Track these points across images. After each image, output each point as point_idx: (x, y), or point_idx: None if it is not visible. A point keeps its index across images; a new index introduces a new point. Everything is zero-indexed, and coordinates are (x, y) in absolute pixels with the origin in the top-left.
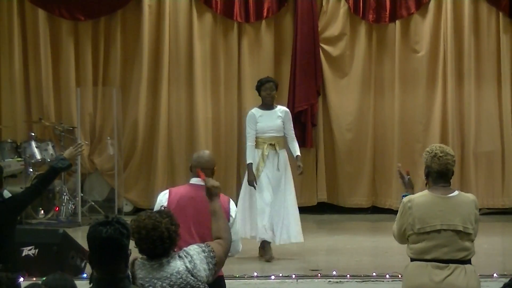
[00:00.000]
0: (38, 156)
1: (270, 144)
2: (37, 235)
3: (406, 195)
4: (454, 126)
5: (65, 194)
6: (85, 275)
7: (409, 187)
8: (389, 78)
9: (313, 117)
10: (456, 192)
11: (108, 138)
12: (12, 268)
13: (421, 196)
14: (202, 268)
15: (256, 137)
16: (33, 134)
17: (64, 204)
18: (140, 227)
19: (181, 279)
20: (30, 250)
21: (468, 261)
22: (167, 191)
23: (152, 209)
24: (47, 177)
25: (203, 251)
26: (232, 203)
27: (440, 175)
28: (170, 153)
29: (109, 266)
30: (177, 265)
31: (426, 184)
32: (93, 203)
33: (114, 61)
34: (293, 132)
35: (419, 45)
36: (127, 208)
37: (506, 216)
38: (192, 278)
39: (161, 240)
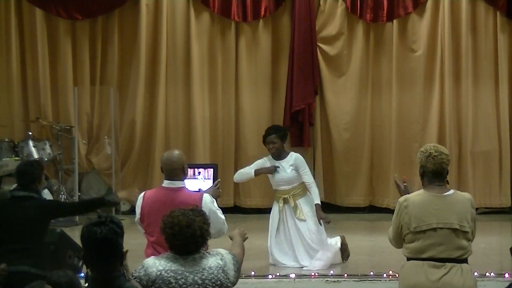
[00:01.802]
0: (36, 155)
1: (284, 198)
2: None
3: None
4: (452, 126)
5: (62, 193)
6: (82, 274)
7: (406, 194)
8: (386, 78)
9: (310, 117)
10: (451, 191)
11: (106, 137)
12: (36, 265)
13: (417, 195)
14: (231, 268)
15: (273, 190)
16: (30, 133)
17: None
18: (174, 223)
19: (212, 275)
20: None
21: (465, 260)
22: (142, 195)
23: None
24: (92, 203)
25: (229, 253)
26: (205, 200)
27: (435, 174)
28: None
29: (104, 265)
30: (210, 261)
31: (422, 183)
32: None
33: (112, 60)
34: (309, 176)
35: (417, 45)
36: (124, 207)
37: (503, 215)
38: (223, 274)
39: (193, 237)
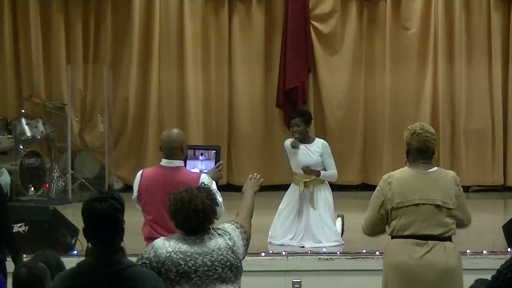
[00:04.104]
0: (29, 133)
1: (305, 182)
2: (28, 212)
3: None
4: (445, 104)
5: (55, 171)
6: (75, 252)
7: None
8: (380, 56)
9: (304, 95)
10: (435, 168)
11: (99, 115)
12: None
13: (401, 172)
14: (240, 245)
15: (293, 172)
16: (23, 111)
17: (54, 181)
18: (177, 199)
19: (222, 256)
20: (20, 227)
21: (448, 239)
22: (140, 173)
23: None
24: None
25: (236, 227)
26: (202, 180)
27: (419, 152)
28: (160, 130)
29: (104, 240)
30: (218, 242)
31: (406, 162)
32: (83, 180)
33: (105, 38)
34: (333, 165)
35: (410, 23)
36: (118, 185)
37: (496, 193)
38: (232, 255)
39: (195, 213)
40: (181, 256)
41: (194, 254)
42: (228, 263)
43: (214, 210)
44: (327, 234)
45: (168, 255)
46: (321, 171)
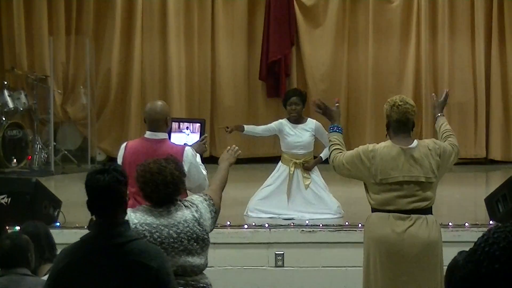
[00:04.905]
0: (11, 105)
1: (296, 163)
2: (10, 184)
3: (334, 126)
4: (428, 77)
5: (37, 143)
6: (58, 224)
7: (337, 118)
8: (363, 29)
9: (286, 68)
10: (415, 143)
11: (81, 87)
12: None
13: (384, 147)
14: (207, 217)
15: (283, 152)
16: (5, 83)
17: (36, 153)
18: (145, 170)
19: (188, 228)
20: (2, 198)
21: (429, 210)
22: (124, 145)
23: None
24: None
25: (205, 199)
26: (186, 153)
27: (399, 124)
28: (143, 102)
29: (106, 212)
30: (185, 214)
31: (386, 135)
32: (66, 152)
33: (87, 10)
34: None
35: None
36: (100, 157)
37: (478, 166)
38: (199, 227)
39: (164, 184)
40: (147, 228)
41: (160, 226)
42: (194, 235)
43: (183, 181)
44: (324, 207)
45: (133, 226)
46: (321, 156)
